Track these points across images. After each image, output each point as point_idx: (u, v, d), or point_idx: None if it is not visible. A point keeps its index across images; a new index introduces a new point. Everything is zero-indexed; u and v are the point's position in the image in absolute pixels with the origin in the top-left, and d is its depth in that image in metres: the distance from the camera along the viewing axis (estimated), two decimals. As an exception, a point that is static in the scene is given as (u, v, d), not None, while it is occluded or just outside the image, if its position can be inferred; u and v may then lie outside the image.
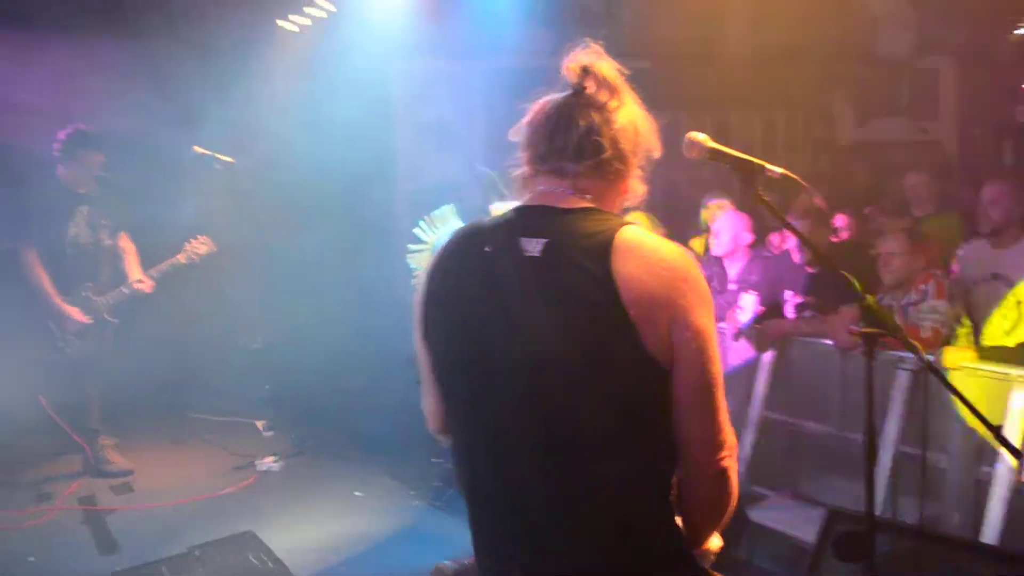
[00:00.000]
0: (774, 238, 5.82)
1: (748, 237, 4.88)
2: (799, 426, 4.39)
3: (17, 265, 5.02)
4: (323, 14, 6.19)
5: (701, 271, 1.59)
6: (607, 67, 1.67)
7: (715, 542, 1.75)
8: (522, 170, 1.71)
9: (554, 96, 1.68)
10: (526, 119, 1.70)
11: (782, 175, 2.00)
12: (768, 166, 1.96)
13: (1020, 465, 3.45)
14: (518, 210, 1.69)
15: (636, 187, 1.74)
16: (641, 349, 1.50)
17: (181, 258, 5.34)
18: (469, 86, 6.51)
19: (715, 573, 1.76)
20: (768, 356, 4.49)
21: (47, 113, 5.19)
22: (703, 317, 1.54)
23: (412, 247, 4.36)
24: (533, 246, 1.58)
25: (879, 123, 9.49)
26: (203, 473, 5.34)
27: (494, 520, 1.68)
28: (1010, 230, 4.43)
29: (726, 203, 5.47)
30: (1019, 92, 9.07)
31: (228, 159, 5.40)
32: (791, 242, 5.27)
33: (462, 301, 1.65)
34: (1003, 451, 3.15)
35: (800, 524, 3.90)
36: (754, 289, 4.67)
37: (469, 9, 6.12)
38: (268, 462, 5.44)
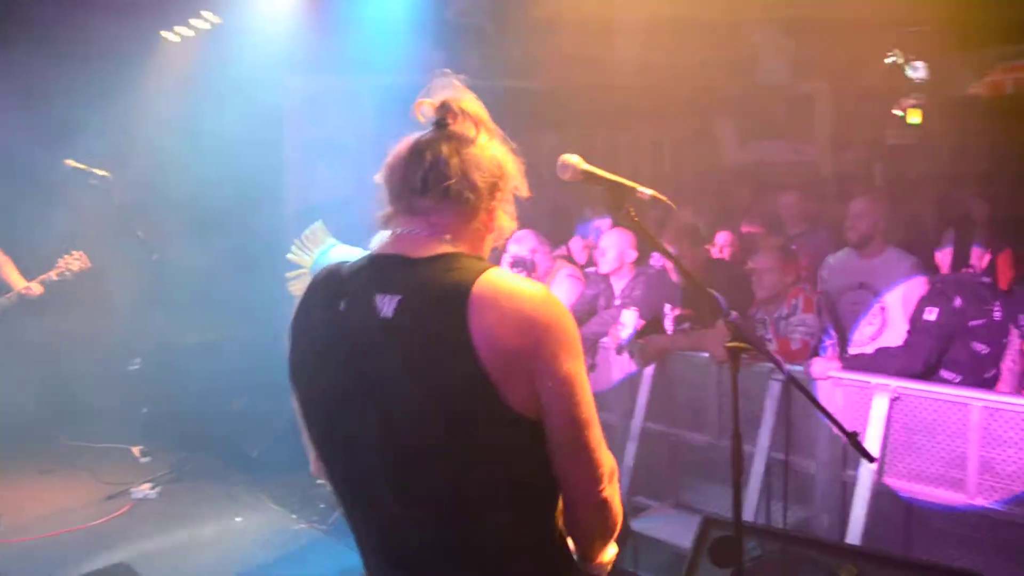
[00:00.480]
0: (656, 256, 5.99)
1: (633, 254, 5.01)
2: (679, 437, 4.52)
3: None
4: (208, 26, 6.04)
5: (562, 308, 1.55)
6: (468, 101, 1.65)
7: (609, 553, 1.76)
8: (384, 211, 1.66)
9: (415, 134, 1.65)
10: (387, 158, 1.66)
11: (652, 197, 2.08)
12: (639, 188, 2.03)
13: (879, 468, 3.66)
14: (373, 259, 1.62)
15: (502, 221, 1.69)
16: (504, 408, 1.46)
17: (53, 274, 5.10)
18: (358, 102, 6.46)
19: None
20: (649, 370, 4.60)
21: None
22: (567, 362, 1.50)
23: (289, 275, 4.27)
24: (387, 305, 1.52)
25: (759, 145, 9.87)
26: (74, 503, 5.11)
27: (379, 565, 1.67)
28: (875, 241, 4.69)
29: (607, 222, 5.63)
30: (889, 117, 9.61)
31: (103, 173, 5.19)
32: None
33: (319, 361, 1.62)
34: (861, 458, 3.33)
35: (682, 532, 3.99)
36: (637, 305, 4.79)
37: (358, 25, 6.09)
38: (144, 489, 5.25)
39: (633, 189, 2.02)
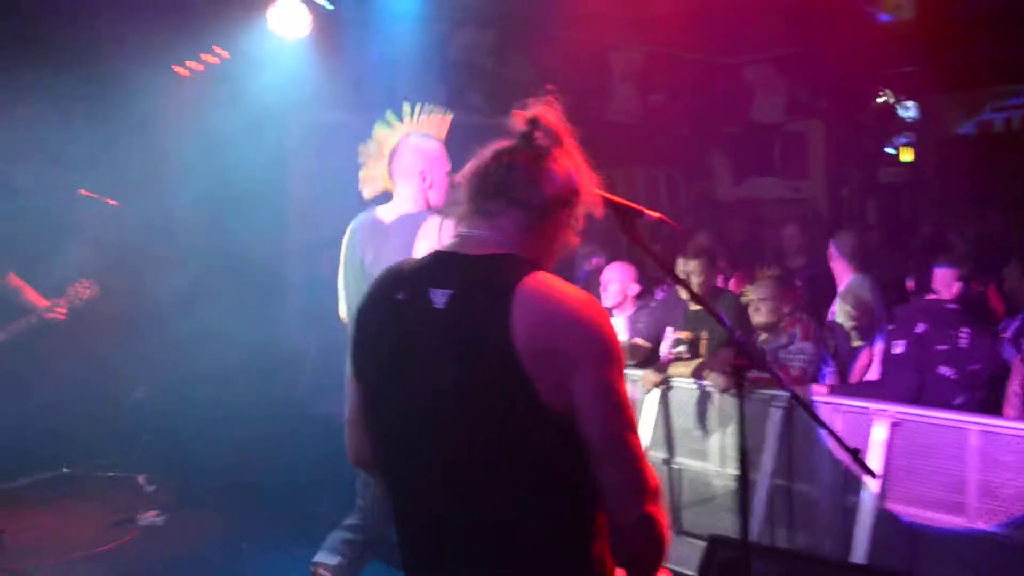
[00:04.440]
0: (659, 291, 6.09)
1: (635, 287, 5.10)
2: (680, 464, 4.57)
3: None
4: (217, 60, 6.17)
5: (603, 316, 1.59)
6: (555, 120, 1.72)
7: None
8: (459, 209, 1.74)
9: (501, 141, 1.73)
10: (471, 162, 1.75)
11: (658, 219, 2.16)
12: (646, 211, 2.11)
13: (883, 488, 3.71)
14: (434, 255, 1.72)
15: (567, 236, 1.75)
16: (540, 405, 1.50)
17: (63, 302, 5.16)
18: (364, 137, 6.57)
19: None
20: (650, 397, 4.66)
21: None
22: (603, 369, 1.53)
23: None
24: (440, 298, 1.61)
25: (754, 181, 10.01)
26: (80, 530, 5.08)
27: (416, 550, 1.72)
28: None
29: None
30: (881, 155, 9.78)
31: (114, 203, 5.29)
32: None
33: (379, 349, 1.71)
34: (863, 475, 3.40)
35: (685, 559, 4.03)
36: (641, 336, 4.87)
37: (364, 62, 6.22)
38: (150, 516, 5.23)
39: (640, 212, 2.09)
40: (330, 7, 5.66)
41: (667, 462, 4.60)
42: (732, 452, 4.34)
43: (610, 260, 5.61)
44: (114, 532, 5.07)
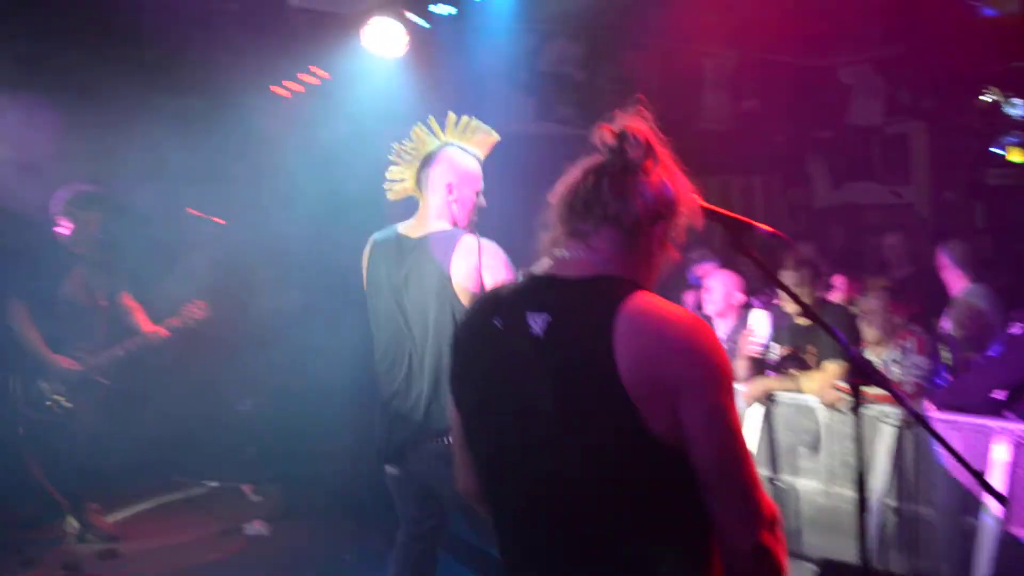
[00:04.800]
0: (756, 300, 5.95)
1: (739, 297, 4.99)
2: (785, 482, 4.44)
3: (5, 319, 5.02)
4: (316, 81, 6.34)
5: (711, 338, 1.51)
6: (643, 129, 1.65)
7: None
8: (551, 232, 1.68)
9: (590, 158, 1.67)
10: (561, 181, 1.68)
11: (770, 234, 2.10)
12: (757, 225, 2.05)
13: (1006, 511, 3.52)
14: (530, 279, 1.67)
15: (666, 251, 1.68)
16: (645, 434, 1.44)
17: (177, 322, 5.35)
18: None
19: None
20: (753, 411, 4.55)
21: (46, 171, 5.21)
22: (712, 394, 1.46)
23: None
24: (537, 324, 1.55)
25: (853, 186, 9.72)
26: (189, 539, 5.27)
27: None
28: None
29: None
30: (988, 155, 9.35)
31: (220, 221, 5.48)
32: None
33: (476, 377, 1.68)
34: (987, 497, 3.23)
35: (792, 580, 3.92)
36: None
37: (457, 78, 6.30)
38: (256, 526, 5.38)
39: (751, 225, 2.03)
40: (426, 25, 5.74)
41: (771, 480, 4.48)
42: (840, 470, 4.20)
43: (721, 265, 5.52)
44: (223, 541, 5.23)
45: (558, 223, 1.66)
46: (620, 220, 1.60)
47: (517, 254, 3.27)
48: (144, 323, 5.34)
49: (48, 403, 5.06)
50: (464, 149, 3.13)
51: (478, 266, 2.91)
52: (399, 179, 3.19)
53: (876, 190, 9.50)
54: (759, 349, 4.60)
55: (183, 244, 5.71)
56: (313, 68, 6.30)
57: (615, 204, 1.60)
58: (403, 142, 3.16)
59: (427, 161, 3.12)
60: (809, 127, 9.23)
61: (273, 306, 6.12)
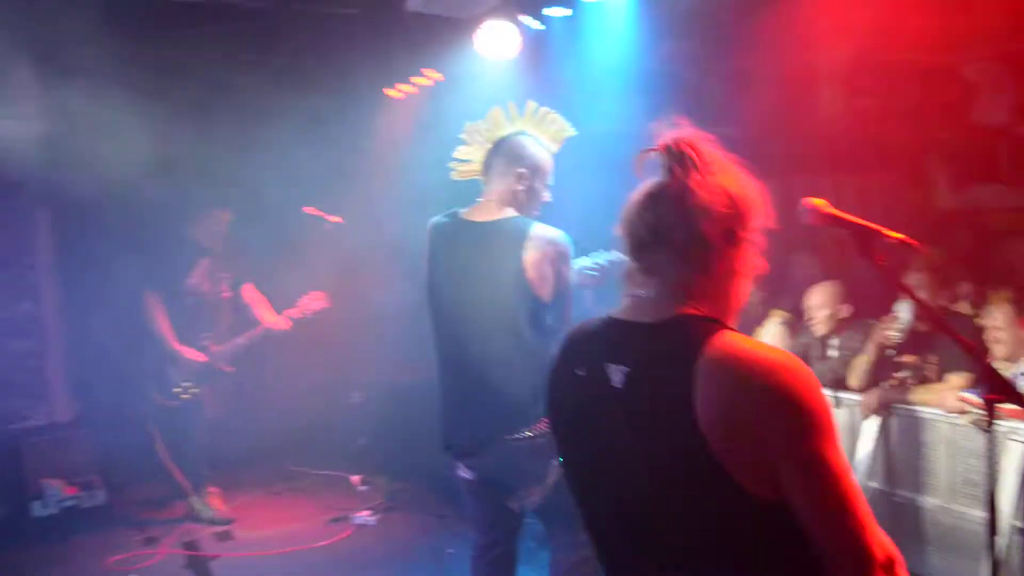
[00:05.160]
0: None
1: (847, 309, 4.82)
2: (903, 498, 4.27)
3: (139, 309, 5.30)
4: (430, 82, 6.45)
5: (805, 378, 1.37)
6: (695, 143, 1.51)
7: None
8: (627, 267, 1.58)
9: (645, 183, 1.56)
10: (622, 210, 1.57)
11: (900, 241, 2.01)
12: (886, 231, 1.97)
13: None
14: (607, 323, 1.59)
15: (748, 266, 1.56)
16: (733, 487, 1.34)
17: (296, 313, 5.56)
18: (568, 153, 6.65)
19: None
20: (870, 424, 4.40)
21: (181, 168, 5.47)
22: (808, 441, 1.33)
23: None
24: (617, 376, 1.49)
25: (977, 189, 9.27)
26: (300, 524, 5.47)
27: None
28: None
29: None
30: None
31: (337, 219, 5.65)
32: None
33: (564, 427, 1.67)
34: None
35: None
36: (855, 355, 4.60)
37: (568, 78, 6.30)
38: (364, 515, 5.53)
39: (879, 232, 1.95)
40: (541, 27, 5.77)
41: (887, 495, 4.32)
42: (962, 487, 4.01)
43: (823, 266, 5.34)
44: (331, 528, 5.40)
45: (630, 255, 1.56)
46: (685, 247, 1.49)
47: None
48: (266, 314, 5.56)
49: (177, 390, 5.34)
50: (538, 140, 3.03)
51: (550, 257, 2.85)
52: (467, 159, 3.11)
53: (1003, 193, 9.03)
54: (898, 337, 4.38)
55: (305, 240, 5.90)
56: (425, 71, 6.42)
57: (680, 231, 1.48)
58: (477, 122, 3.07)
59: (499, 145, 3.02)
60: (930, 126, 8.85)
61: (385, 301, 6.26)
